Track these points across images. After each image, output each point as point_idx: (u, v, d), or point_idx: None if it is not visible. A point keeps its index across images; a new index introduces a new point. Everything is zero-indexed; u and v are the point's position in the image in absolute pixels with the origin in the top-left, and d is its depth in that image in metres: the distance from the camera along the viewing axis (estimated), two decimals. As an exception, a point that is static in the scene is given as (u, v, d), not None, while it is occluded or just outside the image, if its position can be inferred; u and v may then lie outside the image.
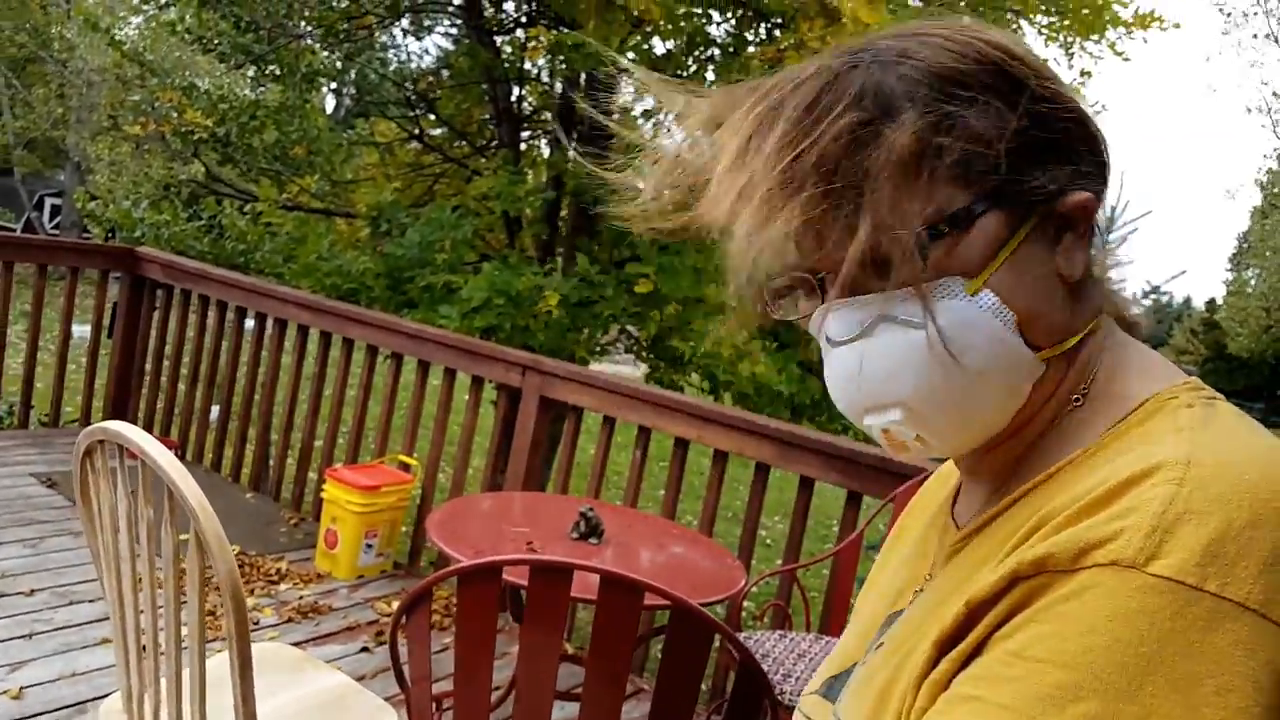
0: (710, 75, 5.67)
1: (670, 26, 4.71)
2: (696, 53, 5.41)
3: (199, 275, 4.20)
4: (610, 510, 2.65)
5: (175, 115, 6.51)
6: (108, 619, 1.56)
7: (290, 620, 2.88)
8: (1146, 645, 0.45)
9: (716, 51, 5.44)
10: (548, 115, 6.65)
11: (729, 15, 5.40)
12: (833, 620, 2.54)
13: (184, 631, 1.39)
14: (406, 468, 3.48)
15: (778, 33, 5.09)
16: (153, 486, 1.41)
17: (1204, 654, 0.45)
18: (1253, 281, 25.46)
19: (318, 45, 6.62)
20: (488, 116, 6.91)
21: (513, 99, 6.46)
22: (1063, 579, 0.49)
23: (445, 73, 8.13)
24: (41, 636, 2.54)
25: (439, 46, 9.43)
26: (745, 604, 2.73)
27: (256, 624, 2.79)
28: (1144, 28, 5.77)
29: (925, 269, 0.57)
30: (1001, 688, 0.49)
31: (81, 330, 5.89)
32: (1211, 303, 31.81)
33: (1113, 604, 0.47)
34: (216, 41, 6.23)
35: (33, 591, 2.76)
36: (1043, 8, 5.87)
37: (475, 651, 1.40)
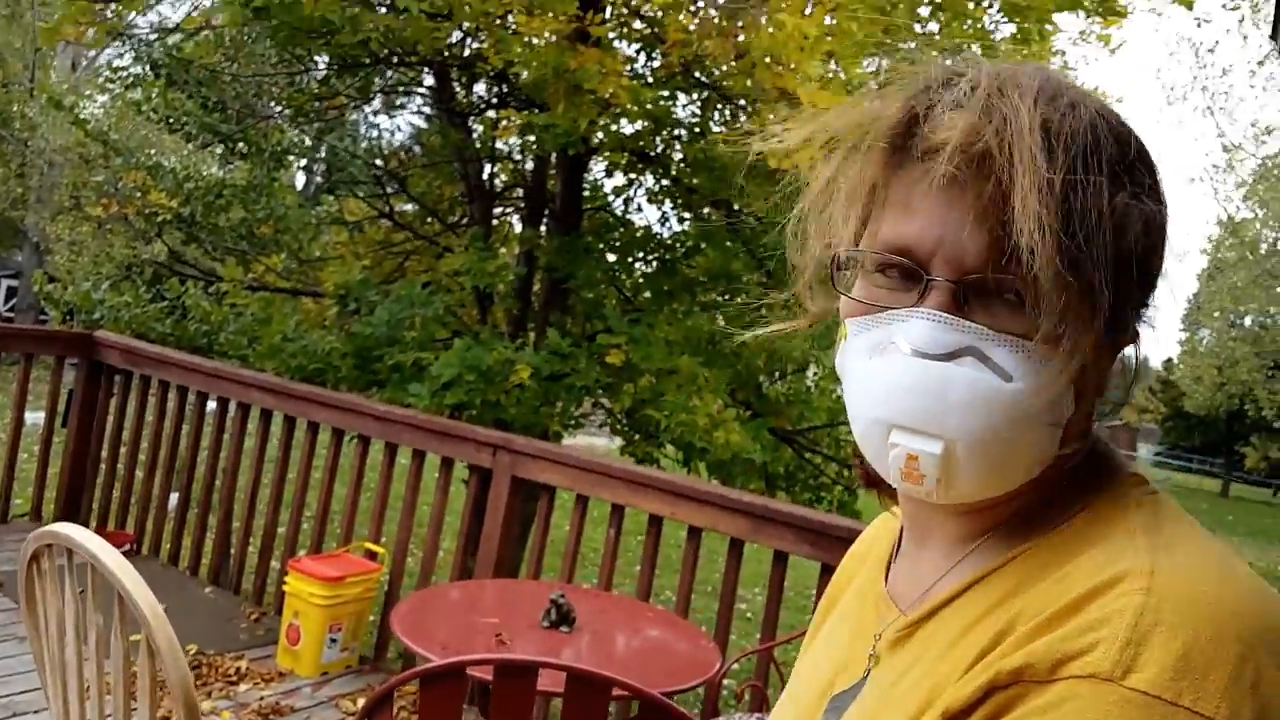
0: (677, 153, 5.80)
1: (636, 109, 4.81)
2: (664, 133, 5.52)
3: (159, 360, 4.12)
4: (583, 594, 2.59)
5: (139, 195, 6.49)
6: (51, 734, 1.47)
7: (250, 721, 2.74)
8: None
9: (683, 132, 5.56)
10: (519, 192, 6.72)
11: (694, 97, 5.53)
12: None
13: (132, 748, 1.30)
14: (373, 555, 3.38)
15: (742, 116, 5.22)
16: (103, 587, 1.35)
17: None
18: (1204, 340, 26.18)
19: (286, 125, 6.68)
20: (459, 194, 6.97)
21: (484, 176, 6.53)
22: (1039, 690, 0.50)
23: (418, 149, 8.23)
24: (-18, 747, 2.39)
25: (411, 124, 9.57)
26: (726, 681, 2.66)
27: (214, 726, 2.65)
28: (1106, 33, 5.83)
29: (1092, 338, 0.57)
30: None
31: (35, 417, 5.75)
32: (1169, 362, 32.63)
33: (1092, 717, 0.48)
34: (183, 121, 6.26)
35: (-26, 699, 2.62)
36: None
37: (443, 760, 1.33)
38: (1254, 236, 19.75)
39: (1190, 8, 5.48)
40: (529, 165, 6.40)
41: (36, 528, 1.52)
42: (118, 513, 4.15)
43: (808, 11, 4.11)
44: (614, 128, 5.12)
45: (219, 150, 6.60)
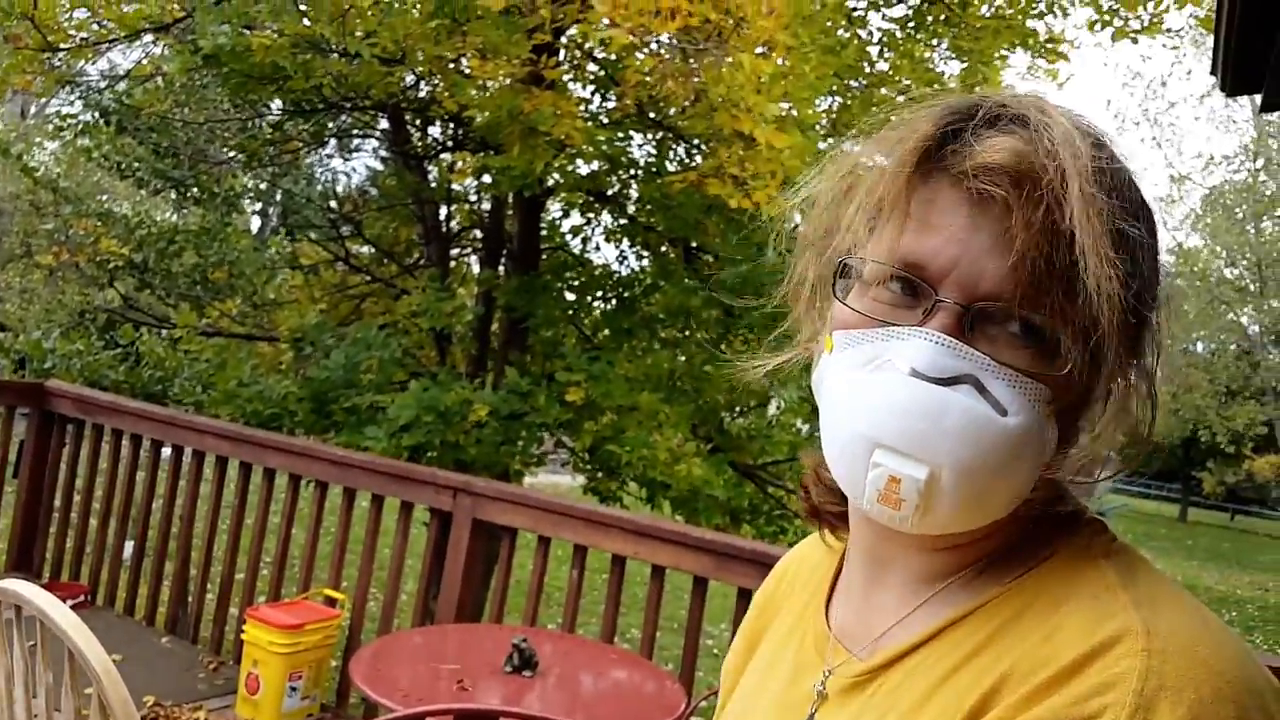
0: (634, 192, 5.87)
1: (592, 149, 4.88)
2: (620, 173, 5.59)
3: (112, 408, 4.05)
4: (546, 636, 2.57)
5: (91, 243, 6.40)
6: (-4, 800, 1.42)
7: (206, 777, 2.67)
8: None
9: (639, 172, 5.63)
10: (477, 233, 6.75)
11: (650, 137, 5.62)
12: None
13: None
14: (333, 602, 3.33)
15: (698, 157, 5.31)
16: (54, 641, 1.32)
17: None
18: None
19: (240, 170, 6.64)
20: (416, 235, 6.97)
21: (441, 217, 6.55)
22: None
23: (374, 191, 8.22)
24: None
25: (367, 166, 9.58)
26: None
27: (168, 784, 2.58)
28: (1053, 68, 6.04)
29: (1110, 373, 0.57)
30: None
31: (-17, 468, 5.58)
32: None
33: None
34: (135, 167, 6.20)
35: (-86, 765, 2.52)
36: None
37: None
38: (1203, 265, 20.43)
39: (1136, 41, 5.73)
40: (486, 206, 6.44)
41: (-17, 585, 1.48)
42: (71, 563, 4.04)
43: (759, 51, 4.23)
44: (570, 168, 5.18)
45: (172, 196, 6.54)
